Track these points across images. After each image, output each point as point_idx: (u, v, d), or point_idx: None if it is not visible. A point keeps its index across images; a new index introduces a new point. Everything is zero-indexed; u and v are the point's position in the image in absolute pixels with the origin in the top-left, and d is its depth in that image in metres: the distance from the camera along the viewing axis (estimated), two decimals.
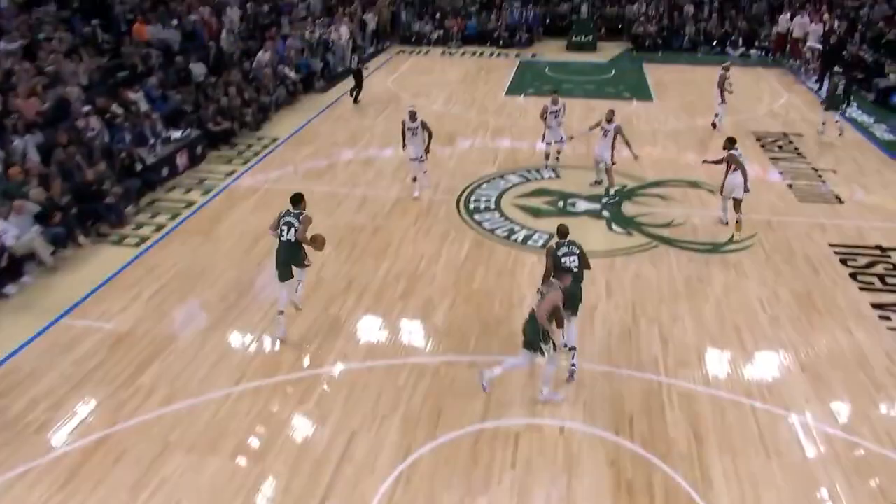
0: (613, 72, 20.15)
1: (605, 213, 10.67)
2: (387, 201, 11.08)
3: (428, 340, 7.75)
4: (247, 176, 12.31)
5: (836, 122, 14.18)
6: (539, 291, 6.40)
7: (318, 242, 7.36)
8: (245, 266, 9.37)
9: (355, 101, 16.44)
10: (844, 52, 17.36)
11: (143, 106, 12.77)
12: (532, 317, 6.34)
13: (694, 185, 11.66)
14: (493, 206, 10.96)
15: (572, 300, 6.64)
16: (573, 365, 6.94)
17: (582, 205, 10.92)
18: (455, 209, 10.86)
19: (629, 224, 10.38)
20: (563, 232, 6.95)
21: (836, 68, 15.57)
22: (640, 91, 17.86)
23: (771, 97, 17.08)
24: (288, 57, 17.28)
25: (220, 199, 11.37)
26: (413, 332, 7.92)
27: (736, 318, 8.10)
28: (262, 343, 7.77)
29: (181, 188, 11.79)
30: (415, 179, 11.15)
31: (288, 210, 7.47)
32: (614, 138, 10.78)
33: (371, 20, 23.32)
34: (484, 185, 11.74)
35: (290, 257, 7.42)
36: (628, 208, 10.86)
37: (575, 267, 6.71)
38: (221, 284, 8.91)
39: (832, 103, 14.21)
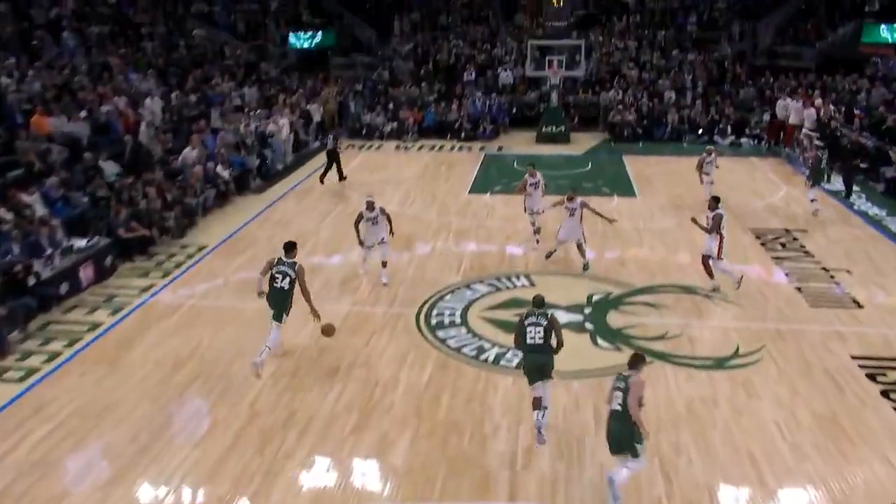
0: (590, 165, 21.11)
1: (589, 326, 10.83)
2: (335, 317, 11.06)
3: (385, 484, 7.55)
4: (167, 291, 12.25)
5: (813, 199, 15.82)
6: (616, 388, 6.92)
7: (328, 333, 9.54)
8: (162, 400, 9.12)
9: (341, 178, 18.75)
10: (841, 138, 18.71)
11: (40, 210, 12.75)
12: (618, 415, 6.84)
13: (688, 290, 11.98)
14: (458, 320, 11.02)
15: (539, 371, 7.94)
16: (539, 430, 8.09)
17: (561, 316, 11.03)
18: (415, 325, 10.90)
19: (617, 337, 10.51)
20: (537, 302, 8.18)
21: (817, 141, 17.13)
22: (621, 186, 18.65)
23: (768, 189, 18.05)
24: (219, 153, 17.74)
25: (133, 320, 11.23)
26: (367, 474, 7.72)
27: (751, 447, 8.07)
28: (181, 496, 7.45)
29: (84, 307, 11.63)
30: (364, 260, 12.33)
31: (280, 258, 9.50)
32: (582, 216, 12.54)
33: (316, 111, 24.37)
34: (448, 297, 11.85)
35: (282, 303, 9.42)
36: (615, 319, 11.04)
37: (539, 339, 7.84)
38: (131, 423, 8.61)
39: (818, 178, 15.90)
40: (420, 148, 23.87)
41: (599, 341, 10.44)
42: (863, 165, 18.75)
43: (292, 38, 29.40)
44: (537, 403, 8.08)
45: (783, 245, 14.22)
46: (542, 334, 7.89)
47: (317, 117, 24.29)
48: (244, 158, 18.61)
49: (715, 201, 11.79)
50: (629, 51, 29.34)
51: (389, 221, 12.23)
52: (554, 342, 7.95)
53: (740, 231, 14.88)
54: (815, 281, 12.46)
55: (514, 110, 26.93)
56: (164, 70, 21.91)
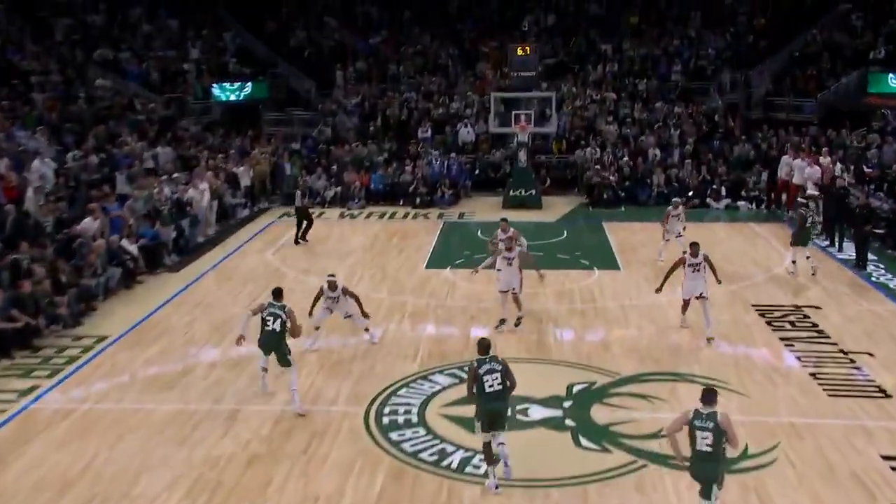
0: (565, 233, 21.45)
1: (570, 423, 10.75)
2: (266, 419, 10.84)
3: None
4: (55, 393, 11.87)
5: (808, 257, 16.96)
6: (700, 428, 7.89)
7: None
8: None
9: (303, 238, 20.35)
10: (851, 200, 19.40)
11: None
12: (708, 457, 7.87)
13: (685, 378, 12.04)
14: (415, 419, 10.91)
15: (499, 420, 9.10)
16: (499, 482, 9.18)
17: (537, 411, 10.99)
18: (363, 426, 10.75)
19: (603, 436, 10.44)
20: (485, 346, 9.28)
21: (800, 199, 18.70)
22: (602, 257, 18.95)
23: (771, 259, 18.48)
24: (125, 224, 17.61)
25: (9, 432, 10.77)
26: None
27: None
28: None
29: None
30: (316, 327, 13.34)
31: (271, 302, 11.27)
32: (520, 267, 13.96)
33: (244, 174, 24.48)
34: (402, 391, 11.75)
35: (276, 346, 11.08)
36: (600, 413, 11.00)
37: (498, 386, 9.00)
38: None
39: (800, 238, 16.82)
40: (368, 216, 24.01)
41: (583, 441, 10.35)
42: (878, 231, 19.43)
43: (216, 90, 29.81)
44: (491, 456, 9.19)
45: (793, 324, 14.45)
46: (499, 380, 9.05)
47: (245, 181, 24.38)
48: (157, 230, 18.51)
49: (695, 246, 13.56)
50: (606, 103, 30.32)
51: (358, 301, 13.19)
52: (508, 384, 9.13)
53: (741, 308, 15.12)
54: (833, 366, 12.62)
55: (477, 172, 27.41)
56: (57, 126, 21.87)
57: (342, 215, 24.08)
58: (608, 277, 17.30)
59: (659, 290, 13.92)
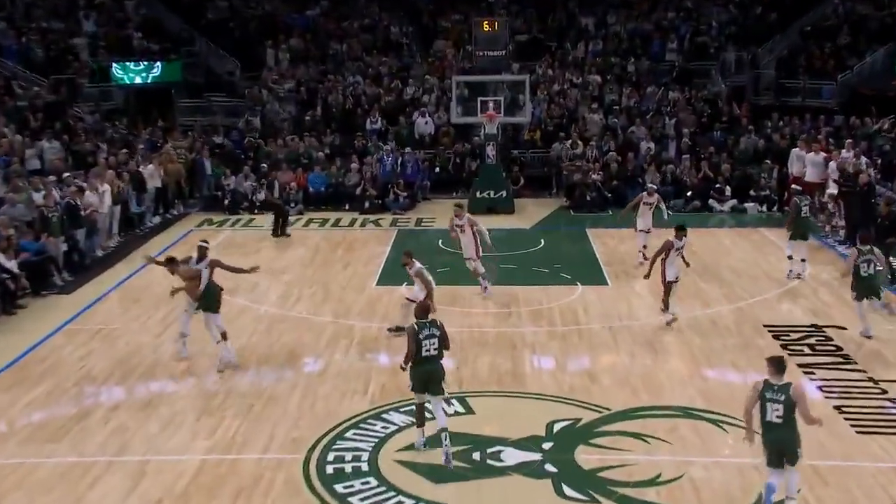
0: (542, 242, 21.51)
1: (551, 468, 10.71)
2: (185, 470, 10.68)
3: None
4: None
5: (803, 260, 17.77)
6: (771, 400, 9.13)
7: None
8: None
9: (282, 232, 22.20)
10: (875, 200, 19.66)
11: None
12: (779, 428, 9.10)
13: (687, 412, 12.07)
14: (366, 466, 10.82)
15: (433, 382, 10.84)
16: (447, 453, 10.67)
17: (512, 455, 10.94)
18: (302, 477, 10.63)
19: (590, 484, 10.42)
20: (424, 309, 11.09)
21: (795, 186, 19.37)
22: (587, 270, 19.03)
23: (785, 271, 18.65)
24: (2, 237, 17.28)
25: None
26: None
27: None
28: None
29: None
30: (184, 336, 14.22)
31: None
32: (474, 234, 16.63)
33: (153, 174, 24.11)
34: (350, 433, 11.64)
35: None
36: (587, 457, 10.96)
37: (434, 350, 10.82)
38: None
39: (797, 229, 17.62)
40: (307, 223, 23.89)
41: (566, 490, 10.29)
42: None
43: (117, 71, 29.44)
44: (422, 418, 11.04)
45: (813, 348, 14.55)
46: (436, 345, 10.84)
47: (154, 182, 24.05)
48: (43, 243, 18.21)
49: (679, 229, 15.34)
50: (589, 88, 30.60)
51: (234, 269, 14.57)
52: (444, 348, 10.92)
53: (752, 329, 15.22)
54: (861, 396, 12.70)
55: (437, 170, 27.44)
56: None
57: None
58: (594, 294, 17.33)
59: (647, 276, 15.38)
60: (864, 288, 14.49)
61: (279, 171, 25.72)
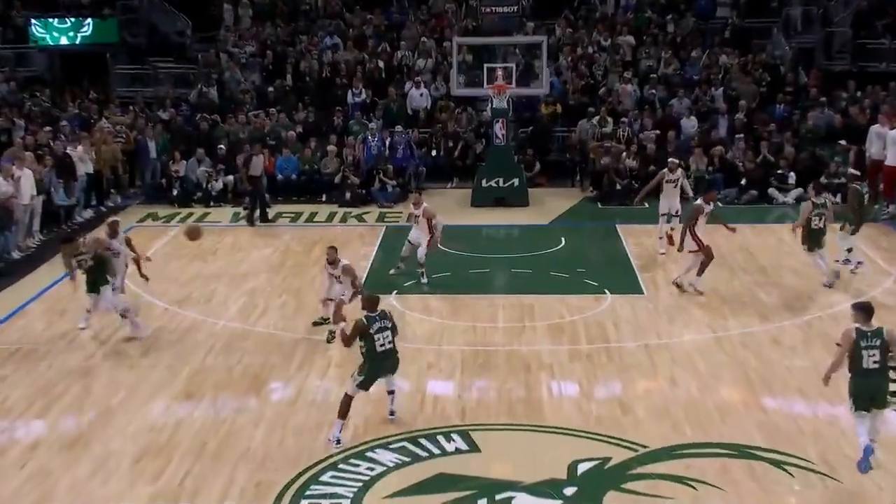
0: (563, 242, 21.47)
1: None
2: None
3: None
4: None
5: (850, 250, 18.62)
6: (869, 346, 10.92)
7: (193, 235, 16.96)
8: None
9: (262, 218, 23.29)
10: None
11: None
12: (878, 373, 10.93)
13: (741, 452, 12.04)
14: None
15: (392, 369, 12.71)
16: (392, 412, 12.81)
17: (526, 502, 10.97)
18: None
19: None
20: (374, 302, 12.50)
21: (853, 171, 20.17)
22: (617, 275, 19.07)
23: (863, 276, 18.57)
24: None
25: None
26: None
27: None
28: None
29: None
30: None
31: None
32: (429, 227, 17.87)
33: (83, 158, 24.01)
34: (328, 476, 11.65)
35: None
36: None
37: (389, 345, 12.38)
38: None
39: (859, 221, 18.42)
40: (275, 218, 23.89)
41: None
42: None
43: (37, 29, 29.40)
44: (346, 412, 12.39)
45: None
46: (390, 338, 12.39)
47: (86, 168, 24.07)
48: None
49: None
50: (621, 53, 30.60)
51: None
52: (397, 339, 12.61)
53: (822, 349, 15.00)
54: None
55: (435, 153, 27.39)
56: None
57: (237, 218, 23.81)
58: (626, 304, 17.31)
59: (680, 249, 17.58)
60: (814, 241, 17.59)
61: (241, 154, 25.65)
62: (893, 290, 17.94)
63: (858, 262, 18.49)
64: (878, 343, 10.83)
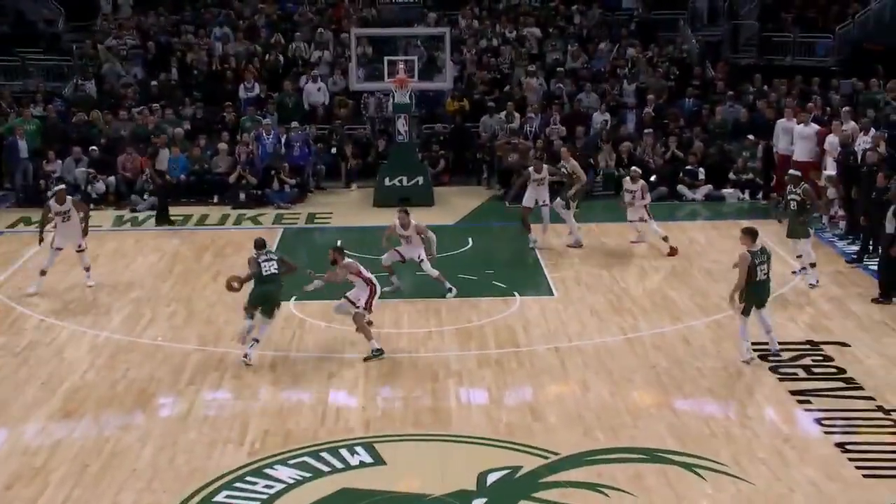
0: (470, 242, 21.73)
1: None
2: None
3: None
4: None
5: (799, 256, 18.56)
6: None
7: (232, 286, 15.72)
8: None
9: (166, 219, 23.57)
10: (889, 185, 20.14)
11: None
12: (767, 283, 14.94)
13: (654, 457, 12.23)
14: None
15: (269, 302, 15.17)
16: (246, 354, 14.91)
17: None
18: None
19: None
20: (261, 243, 15.47)
21: (792, 172, 19.34)
22: (526, 276, 19.37)
23: (775, 274, 18.98)
24: None
25: None
26: None
27: None
28: None
29: None
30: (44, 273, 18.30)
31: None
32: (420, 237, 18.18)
33: None
34: (223, 495, 11.58)
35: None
36: None
37: (274, 270, 15.07)
38: None
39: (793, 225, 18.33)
40: (145, 220, 23.78)
41: None
42: None
43: None
44: (247, 335, 15.00)
45: (808, 370, 14.93)
46: (276, 266, 15.08)
47: None
48: None
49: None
50: (527, 45, 30.87)
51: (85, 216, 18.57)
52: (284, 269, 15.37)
53: (732, 348, 15.48)
54: (870, 432, 12.99)
55: (334, 151, 27.33)
56: None
57: (120, 222, 23.57)
58: (536, 307, 17.51)
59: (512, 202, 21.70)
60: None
61: (123, 153, 25.40)
62: (806, 288, 18.45)
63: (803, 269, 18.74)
64: (766, 258, 14.67)
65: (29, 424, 13.26)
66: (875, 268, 18.69)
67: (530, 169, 21.13)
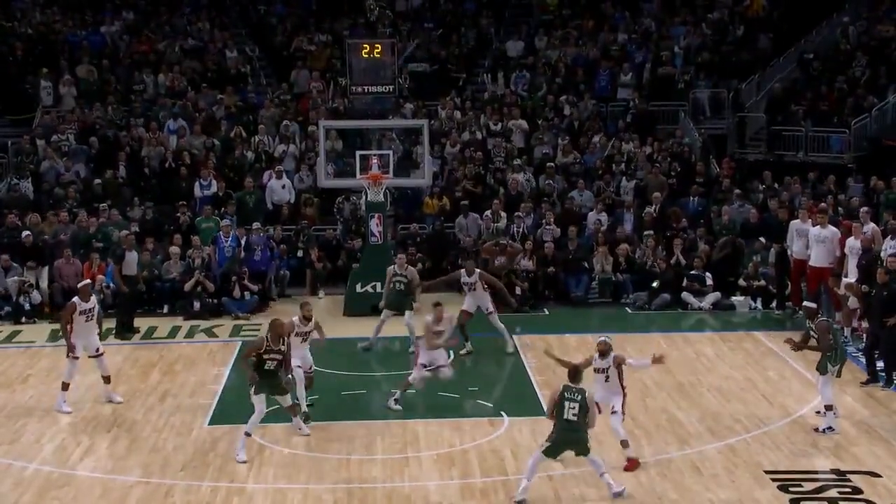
0: (451, 355, 21.26)
1: None
2: None
3: None
4: None
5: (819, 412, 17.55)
6: None
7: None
8: None
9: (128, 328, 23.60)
10: None
11: None
12: (577, 425, 14.20)
13: None
14: None
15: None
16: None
17: None
18: None
19: None
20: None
21: (808, 304, 18.28)
22: (515, 395, 19.30)
23: (793, 392, 19.04)
24: None
25: None
26: None
27: None
28: None
29: None
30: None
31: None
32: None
33: None
34: None
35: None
36: None
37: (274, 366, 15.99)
38: None
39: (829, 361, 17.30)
40: (104, 336, 23.33)
41: None
42: None
43: None
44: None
45: (835, 503, 14.69)
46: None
47: None
48: None
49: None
50: (513, 139, 31.03)
51: None
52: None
53: (749, 477, 15.31)
54: None
55: (300, 254, 27.23)
56: None
57: (56, 336, 23.28)
58: (526, 429, 17.26)
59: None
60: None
61: (61, 259, 25.19)
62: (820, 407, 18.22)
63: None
64: (578, 398, 14.12)
65: None
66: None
67: (462, 270, 22.05)
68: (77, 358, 18.28)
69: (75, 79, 32.94)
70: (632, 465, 15.21)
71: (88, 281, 19.76)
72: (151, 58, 34.40)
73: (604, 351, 15.78)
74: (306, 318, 17.20)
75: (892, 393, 18.91)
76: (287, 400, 16.51)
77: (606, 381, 15.68)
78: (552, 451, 14.20)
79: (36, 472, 15.82)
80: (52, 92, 32.50)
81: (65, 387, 18.38)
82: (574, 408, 13.92)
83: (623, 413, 15.41)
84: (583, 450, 14.23)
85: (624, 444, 15.25)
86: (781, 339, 19.31)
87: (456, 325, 20.03)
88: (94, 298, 18.71)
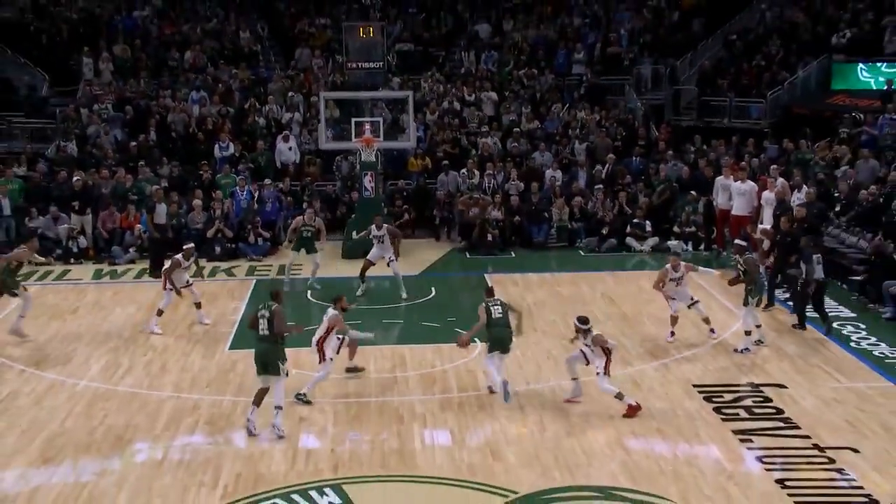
0: (433, 292, 21.76)
1: None
2: None
3: None
4: None
5: (759, 326, 17.77)
6: None
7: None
8: None
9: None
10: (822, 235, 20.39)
11: None
12: (502, 322, 15.29)
13: (608, 495, 12.24)
14: None
15: (262, 364, 14.29)
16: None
17: None
18: None
19: None
20: (272, 295, 14.91)
21: (738, 242, 18.77)
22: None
23: (718, 320, 19.10)
24: None
25: None
26: None
27: None
28: None
29: None
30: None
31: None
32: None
33: None
34: None
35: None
36: None
37: (266, 331, 14.21)
38: None
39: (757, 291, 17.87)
40: (139, 275, 23.53)
41: None
42: (856, 278, 20.56)
43: None
44: (259, 397, 14.12)
45: (750, 410, 14.98)
46: (266, 325, 14.11)
47: None
48: None
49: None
50: (485, 107, 31.07)
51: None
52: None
53: (680, 390, 15.64)
54: (807, 468, 13.04)
55: (304, 206, 27.22)
56: None
57: (99, 275, 23.39)
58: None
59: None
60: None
61: (104, 210, 25.19)
62: (741, 332, 18.33)
63: (759, 341, 17.84)
64: (499, 302, 15.37)
65: (8, 472, 12.98)
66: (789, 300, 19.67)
67: (372, 226, 21.46)
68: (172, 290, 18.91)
69: (112, 56, 32.66)
70: (632, 411, 14.50)
71: (192, 245, 19.78)
72: (177, 38, 34.19)
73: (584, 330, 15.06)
74: (343, 311, 15.72)
75: (794, 317, 19.20)
76: None
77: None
78: (491, 347, 15.04)
79: (85, 388, 16.00)
80: (92, 68, 32.20)
81: (159, 313, 18.87)
82: (498, 308, 15.08)
83: (607, 373, 14.63)
84: (508, 346, 15.19)
85: (619, 396, 14.51)
86: (710, 277, 19.68)
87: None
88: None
